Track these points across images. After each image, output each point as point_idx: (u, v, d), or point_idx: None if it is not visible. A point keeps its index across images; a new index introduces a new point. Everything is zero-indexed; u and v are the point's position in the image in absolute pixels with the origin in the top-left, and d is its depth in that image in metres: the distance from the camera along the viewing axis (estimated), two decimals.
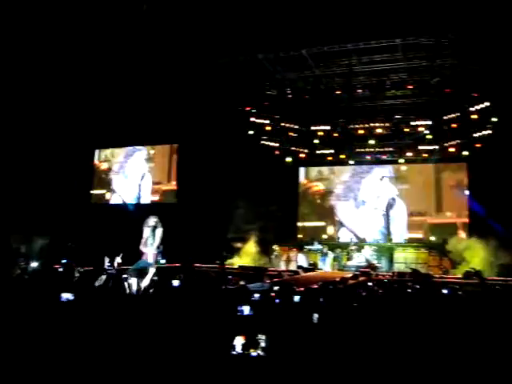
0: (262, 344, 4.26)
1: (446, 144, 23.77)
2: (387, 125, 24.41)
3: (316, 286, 12.72)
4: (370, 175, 25.87)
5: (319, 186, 27.25)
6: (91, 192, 28.86)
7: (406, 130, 24.15)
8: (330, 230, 26.39)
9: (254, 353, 4.35)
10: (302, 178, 27.58)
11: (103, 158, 29.36)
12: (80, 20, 17.98)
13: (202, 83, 22.68)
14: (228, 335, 4.33)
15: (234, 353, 4.08)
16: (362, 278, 18.78)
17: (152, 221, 19.69)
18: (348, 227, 25.96)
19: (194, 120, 23.85)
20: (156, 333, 4.86)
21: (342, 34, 18.88)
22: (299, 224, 26.92)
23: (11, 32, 18.19)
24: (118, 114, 24.42)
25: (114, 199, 28.50)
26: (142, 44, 19.82)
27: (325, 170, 27.12)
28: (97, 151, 29.31)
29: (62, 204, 24.28)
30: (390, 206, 25.23)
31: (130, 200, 27.96)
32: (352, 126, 25.01)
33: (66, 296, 7.85)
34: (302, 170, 27.56)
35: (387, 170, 25.56)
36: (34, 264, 17.79)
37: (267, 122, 25.45)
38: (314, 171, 27.47)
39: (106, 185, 28.94)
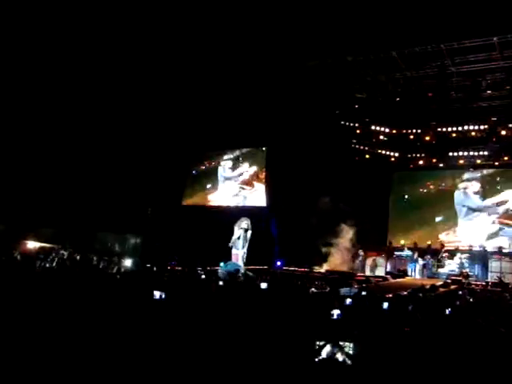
0: (350, 351, 4.23)
1: None
2: (482, 128, 23.36)
3: (405, 293, 12.48)
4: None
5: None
6: (184, 195, 29.54)
7: (503, 132, 23.03)
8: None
9: (340, 357, 4.32)
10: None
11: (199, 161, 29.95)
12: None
13: (292, 86, 22.78)
14: (315, 338, 4.34)
15: (320, 358, 4.09)
16: (453, 287, 18.17)
17: (244, 223, 20.09)
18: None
19: (284, 123, 23.93)
20: (243, 333, 4.95)
21: (434, 33, 18.37)
22: (390, 229, 26.31)
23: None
24: (212, 118, 24.94)
25: (210, 201, 29.05)
26: (231, 50, 20.24)
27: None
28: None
29: (155, 205, 25.13)
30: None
31: (227, 203, 28.39)
32: (444, 130, 24.19)
33: (158, 294, 8.17)
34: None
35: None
36: (128, 262, 18.64)
37: (357, 125, 25.11)
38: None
39: (200, 188, 29.58)
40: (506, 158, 23.73)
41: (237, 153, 28.53)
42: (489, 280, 20.48)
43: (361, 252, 23.87)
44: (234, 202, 28.06)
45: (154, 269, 16.81)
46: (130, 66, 20.97)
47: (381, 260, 23.71)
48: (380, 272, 22.99)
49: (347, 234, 23.19)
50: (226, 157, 28.89)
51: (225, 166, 28.81)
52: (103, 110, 22.59)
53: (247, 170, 28.09)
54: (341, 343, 4.23)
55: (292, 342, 4.46)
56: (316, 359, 4.13)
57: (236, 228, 20.39)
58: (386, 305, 7.54)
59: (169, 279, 13.23)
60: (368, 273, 22.68)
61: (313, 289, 13.43)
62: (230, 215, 23.88)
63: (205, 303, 8.38)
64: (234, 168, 28.49)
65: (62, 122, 21.82)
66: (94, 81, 21.20)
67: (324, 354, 4.04)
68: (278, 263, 21.11)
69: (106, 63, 20.54)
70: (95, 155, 23.14)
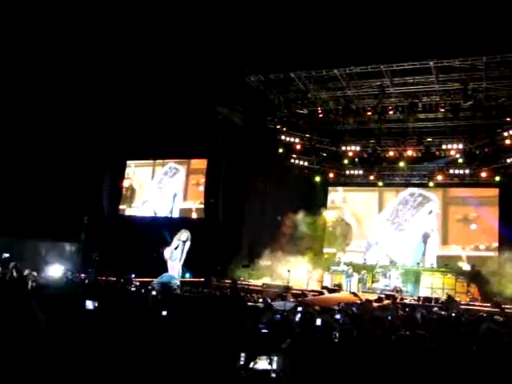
0: (276, 365, 4.20)
1: (477, 169, 23.39)
2: (418, 148, 24.11)
3: (336, 307, 12.60)
4: (422, 208, 25.67)
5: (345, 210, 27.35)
6: (119, 206, 29.10)
7: (437, 153, 23.83)
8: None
9: (266, 370, 4.28)
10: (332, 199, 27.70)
11: (131, 172, 29.67)
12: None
13: (233, 99, 22.87)
14: (240, 350, 4.29)
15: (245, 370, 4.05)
16: (386, 302, 18.51)
17: (184, 235, 19.79)
18: (384, 250, 25.74)
19: (225, 136, 23.97)
20: (168, 348, 4.87)
21: (375, 54, 18.87)
22: (325, 245, 26.75)
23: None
24: (151, 127, 24.74)
25: (143, 211, 28.67)
26: (178, 61, 20.17)
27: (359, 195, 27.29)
28: (129, 164, 29.62)
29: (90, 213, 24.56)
30: (427, 236, 25.02)
31: (163, 213, 28.08)
32: (382, 148, 24.82)
33: (90, 304, 7.95)
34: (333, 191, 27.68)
35: (437, 205, 25.34)
36: (59, 271, 17.95)
37: (297, 140, 25.40)
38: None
39: (133, 198, 29.25)
40: (439, 178, 24.53)
41: (173, 163, 28.38)
42: (420, 295, 21.01)
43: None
44: (169, 213, 27.87)
45: (86, 281, 16.36)
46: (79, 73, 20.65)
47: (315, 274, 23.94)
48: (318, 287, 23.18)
49: (284, 247, 23.35)
50: (164, 167, 28.74)
51: (162, 177, 28.65)
52: (40, 113, 22.03)
53: (184, 180, 27.98)
54: (267, 356, 4.20)
55: (217, 354, 4.41)
56: (241, 372, 4.10)
57: (175, 239, 20.10)
58: (319, 321, 7.51)
59: (103, 290, 12.90)
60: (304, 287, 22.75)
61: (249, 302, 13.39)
62: (167, 226, 23.63)
63: (137, 315, 8.20)
64: (172, 180, 28.32)
65: None
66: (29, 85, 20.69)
67: (250, 366, 4.02)
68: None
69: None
70: (28, 161, 22.49)
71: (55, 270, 17.06)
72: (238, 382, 4.08)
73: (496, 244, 23.14)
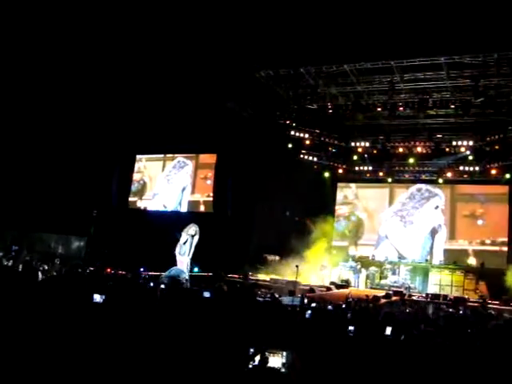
0: (284, 360, 4.23)
1: (487, 166, 23.28)
2: (428, 144, 24.02)
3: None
4: (427, 203, 25.65)
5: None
6: (130, 198, 29.25)
7: (447, 149, 23.73)
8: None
9: (275, 365, 4.30)
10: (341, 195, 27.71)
11: (142, 166, 29.85)
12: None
13: (243, 95, 22.84)
14: (249, 346, 4.32)
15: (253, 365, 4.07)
16: (394, 298, 18.51)
17: (192, 229, 19.89)
18: (392, 243, 25.75)
19: (235, 131, 23.95)
20: (178, 343, 4.89)
21: (386, 50, 18.78)
22: (337, 239, 26.77)
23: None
24: (161, 122, 24.78)
25: (153, 205, 28.83)
26: (188, 56, 20.15)
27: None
28: (140, 158, 29.77)
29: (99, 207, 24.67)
30: (435, 231, 24.96)
31: (171, 205, 28.24)
32: (392, 144, 24.74)
33: (99, 297, 8.02)
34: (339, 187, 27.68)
35: (443, 201, 25.30)
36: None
37: (307, 136, 25.35)
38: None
39: (144, 191, 29.45)
40: (449, 175, 24.45)
41: (181, 157, 28.51)
42: (428, 292, 20.97)
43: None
44: (178, 207, 28.07)
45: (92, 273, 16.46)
46: (79, 71, 20.72)
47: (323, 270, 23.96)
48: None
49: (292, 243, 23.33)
50: (172, 161, 28.91)
51: (171, 170, 28.81)
52: (48, 110, 22.14)
53: (191, 174, 28.10)
54: (275, 352, 4.23)
55: (227, 349, 4.44)
56: (249, 366, 4.12)
57: (184, 233, 20.18)
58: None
59: (112, 283, 12.97)
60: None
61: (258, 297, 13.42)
62: (177, 220, 23.74)
63: (146, 308, 8.25)
64: (180, 173, 28.46)
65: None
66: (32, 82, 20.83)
67: (257, 361, 4.05)
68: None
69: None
70: (38, 154, 22.62)
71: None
72: (247, 377, 4.12)
73: (503, 239, 23.13)
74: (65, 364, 4.73)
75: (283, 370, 4.17)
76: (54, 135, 22.97)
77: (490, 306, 17.63)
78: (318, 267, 23.57)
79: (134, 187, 29.64)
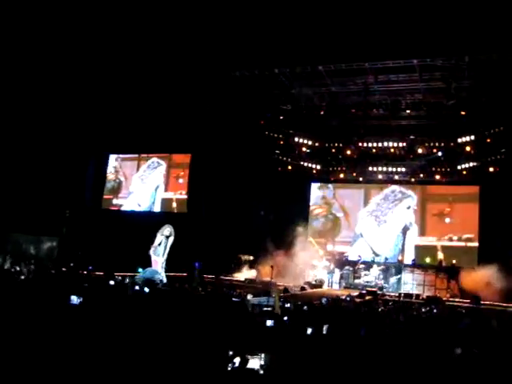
0: (262, 361, 4.26)
1: (459, 167, 23.67)
2: (401, 145, 24.32)
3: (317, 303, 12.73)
4: (400, 203, 26.11)
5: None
6: (104, 196, 29.11)
7: (420, 151, 24.04)
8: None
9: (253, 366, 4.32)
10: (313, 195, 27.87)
11: (117, 165, 29.75)
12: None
13: (218, 95, 22.79)
14: (228, 348, 4.33)
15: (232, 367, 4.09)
16: (368, 297, 18.69)
17: (167, 230, 19.75)
18: (367, 241, 26.13)
19: (209, 131, 23.90)
20: (157, 340, 4.89)
21: (360, 52, 18.94)
22: (314, 237, 26.90)
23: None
24: (135, 121, 24.62)
25: (128, 203, 28.72)
26: (162, 55, 20.06)
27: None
28: (112, 157, 29.62)
29: (71, 207, 24.39)
30: (406, 229, 25.37)
31: (145, 204, 28.24)
32: (365, 145, 24.96)
33: (76, 299, 7.95)
34: (314, 187, 27.84)
35: (415, 202, 25.75)
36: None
37: (281, 136, 25.44)
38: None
39: (119, 190, 29.36)
40: (421, 175, 24.81)
41: (155, 158, 28.55)
42: (401, 291, 21.23)
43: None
44: (151, 206, 28.13)
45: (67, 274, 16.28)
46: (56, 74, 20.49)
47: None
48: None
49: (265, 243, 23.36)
50: (147, 161, 28.88)
51: (145, 170, 28.79)
52: (20, 107, 21.83)
53: (165, 174, 28.18)
54: (256, 354, 4.25)
55: (206, 351, 4.45)
56: (228, 368, 4.14)
57: (158, 234, 20.05)
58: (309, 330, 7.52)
59: (86, 284, 12.86)
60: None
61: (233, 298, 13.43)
62: (150, 220, 23.62)
63: (119, 309, 8.21)
64: (153, 173, 28.45)
65: None
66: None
67: (236, 363, 4.07)
68: (196, 264, 20.89)
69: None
70: (8, 153, 22.28)
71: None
72: (226, 379, 4.14)
73: (469, 235, 23.71)
74: (45, 367, 4.69)
75: (261, 371, 4.20)
76: (25, 133, 22.62)
77: (461, 304, 17.93)
78: (294, 267, 23.64)
79: (110, 185, 29.61)
